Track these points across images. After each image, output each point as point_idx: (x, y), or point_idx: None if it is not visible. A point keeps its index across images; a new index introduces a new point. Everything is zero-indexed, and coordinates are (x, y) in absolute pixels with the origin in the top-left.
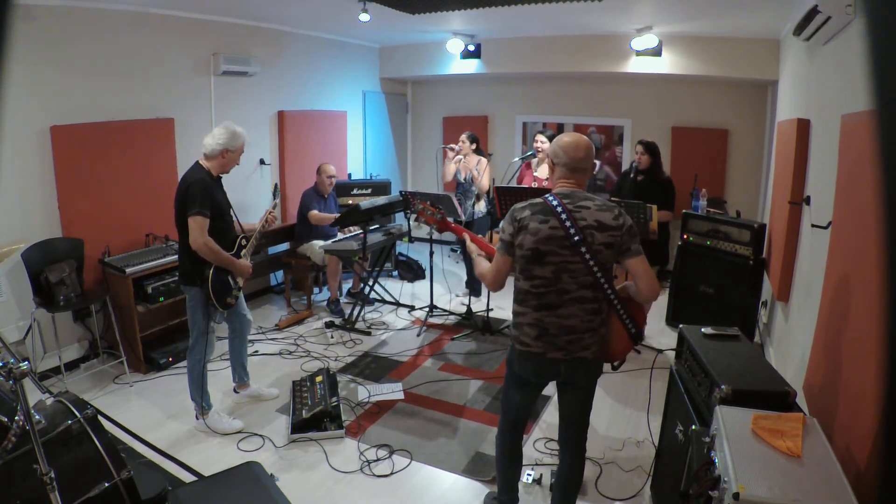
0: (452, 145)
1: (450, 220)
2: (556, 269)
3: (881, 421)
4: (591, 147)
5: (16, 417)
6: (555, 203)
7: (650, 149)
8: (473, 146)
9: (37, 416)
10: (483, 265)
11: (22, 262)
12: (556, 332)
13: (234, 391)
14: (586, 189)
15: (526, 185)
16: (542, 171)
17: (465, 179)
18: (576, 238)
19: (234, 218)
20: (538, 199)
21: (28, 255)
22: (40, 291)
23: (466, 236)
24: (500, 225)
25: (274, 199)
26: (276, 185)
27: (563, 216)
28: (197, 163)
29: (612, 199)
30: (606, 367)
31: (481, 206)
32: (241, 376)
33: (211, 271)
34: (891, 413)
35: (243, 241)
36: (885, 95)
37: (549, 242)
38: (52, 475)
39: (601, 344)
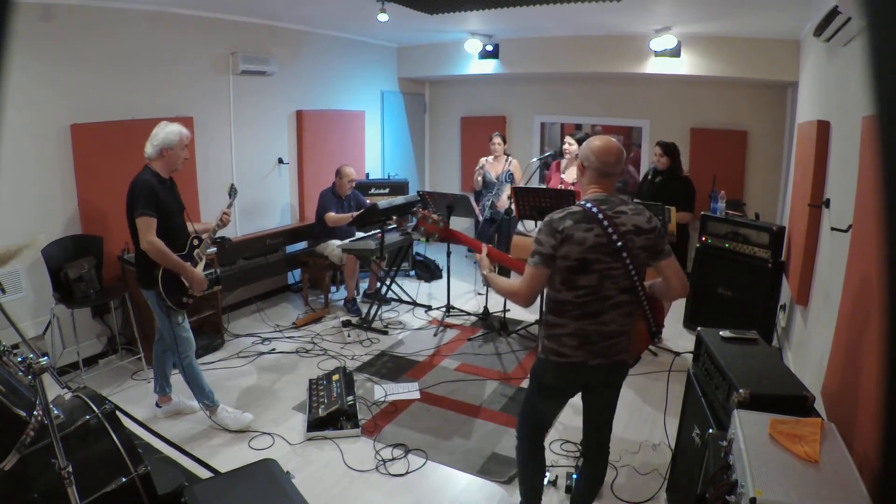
0: (488, 158)
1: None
2: (600, 277)
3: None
4: (622, 151)
5: (34, 412)
6: (595, 210)
7: (669, 150)
8: (505, 145)
9: (55, 411)
10: (502, 282)
11: (42, 259)
12: (596, 340)
13: (157, 405)
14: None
15: (552, 187)
16: (570, 174)
17: (497, 179)
18: (618, 244)
19: (188, 220)
20: (576, 208)
21: (48, 251)
22: (60, 287)
23: (484, 248)
24: (536, 237)
25: (230, 198)
26: (231, 185)
27: (605, 223)
28: (145, 166)
29: (634, 200)
30: None
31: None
32: (162, 387)
33: (160, 271)
34: (891, 414)
35: (195, 241)
36: (886, 99)
37: (594, 251)
38: (70, 469)
39: (629, 345)
